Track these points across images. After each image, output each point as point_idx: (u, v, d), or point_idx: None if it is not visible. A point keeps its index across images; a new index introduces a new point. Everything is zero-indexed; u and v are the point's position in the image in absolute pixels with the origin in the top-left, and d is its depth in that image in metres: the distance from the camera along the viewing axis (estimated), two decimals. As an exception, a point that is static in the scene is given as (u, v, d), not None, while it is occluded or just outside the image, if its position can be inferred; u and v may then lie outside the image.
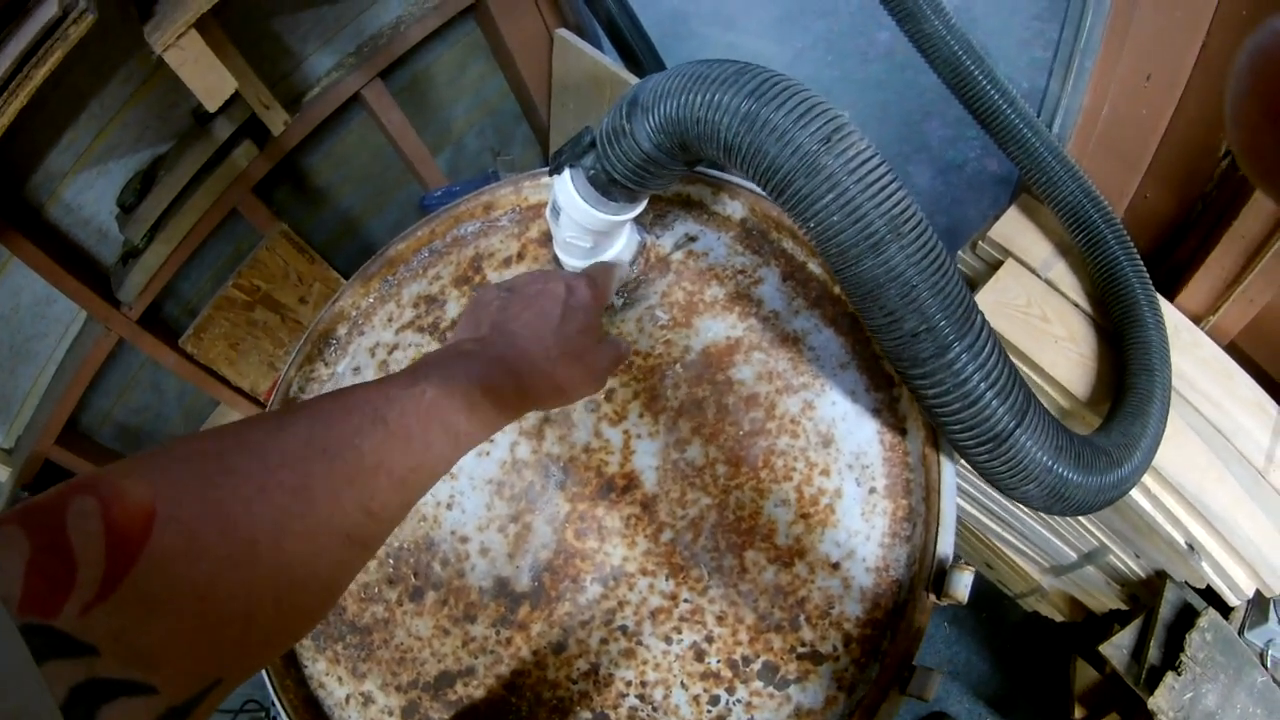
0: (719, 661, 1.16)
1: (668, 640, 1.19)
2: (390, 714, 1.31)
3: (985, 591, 2.92)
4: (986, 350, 1.01)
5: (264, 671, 1.35)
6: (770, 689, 1.13)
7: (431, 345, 1.52)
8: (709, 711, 1.15)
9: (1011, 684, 2.87)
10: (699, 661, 1.17)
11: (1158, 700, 1.93)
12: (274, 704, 1.34)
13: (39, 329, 2.90)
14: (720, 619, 1.18)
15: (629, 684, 1.19)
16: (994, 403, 1.01)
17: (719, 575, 1.20)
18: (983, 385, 1.00)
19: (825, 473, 1.22)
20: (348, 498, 0.69)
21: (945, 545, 1.11)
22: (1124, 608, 2.35)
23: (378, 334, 1.57)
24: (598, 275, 1.18)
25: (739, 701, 1.14)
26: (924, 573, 1.10)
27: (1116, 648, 2.11)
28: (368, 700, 1.33)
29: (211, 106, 2.32)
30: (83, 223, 2.76)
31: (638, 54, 2.91)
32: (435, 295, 1.56)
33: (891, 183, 0.97)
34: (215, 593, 0.58)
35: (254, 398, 3.38)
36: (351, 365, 1.57)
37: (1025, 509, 2.19)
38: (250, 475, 0.64)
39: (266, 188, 3.01)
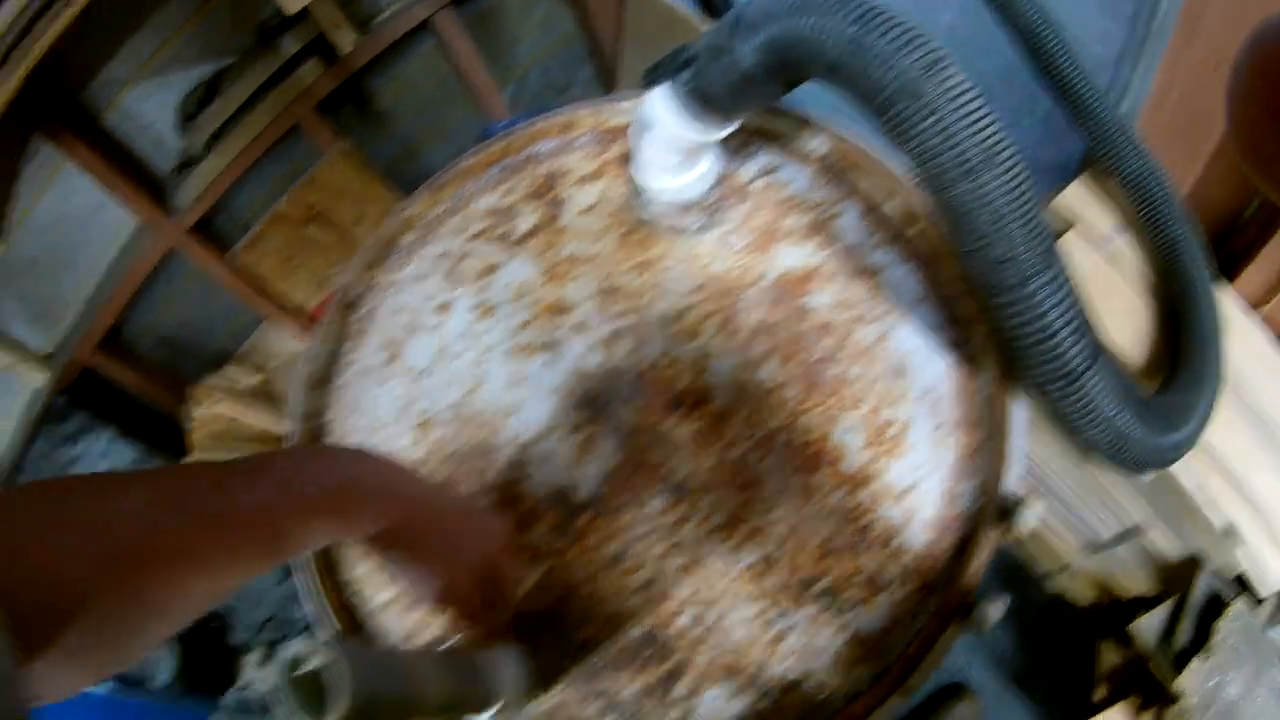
0: (780, 582, 1.16)
1: (729, 557, 1.19)
2: (434, 618, 1.30)
3: (1013, 570, 2.92)
4: (1065, 288, 1.02)
5: (308, 574, 1.35)
6: (830, 612, 1.13)
7: (502, 256, 1.51)
8: (767, 631, 1.15)
9: (1033, 662, 2.87)
10: (759, 581, 1.17)
11: (1183, 682, 1.94)
12: (315, 605, 1.34)
13: (86, 237, 2.91)
14: (784, 539, 1.18)
15: (686, 599, 1.19)
16: (1068, 340, 1.02)
17: (785, 496, 1.20)
18: (1060, 321, 1.01)
19: (896, 403, 1.22)
20: (151, 572, 0.70)
21: (1012, 481, 1.12)
22: (1151, 594, 2.34)
23: (446, 242, 1.57)
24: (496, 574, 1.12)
25: (798, 623, 1.14)
26: (990, 507, 1.11)
27: (1147, 628, 2.12)
28: (410, 604, 1.33)
29: (290, 10, 2.32)
30: (140, 130, 2.76)
31: (715, 2, 2.90)
32: (508, 208, 1.56)
33: (987, 115, 0.97)
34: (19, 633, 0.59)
35: (302, 314, 3.37)
36: (417, 273, 1.56)
37: (1065, 476, 2.19)
38: (69, 536, 0.66)
39: (329, 107, 3.01)
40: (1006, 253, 0.99)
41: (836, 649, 1.12)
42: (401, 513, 0.94)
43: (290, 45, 2.71)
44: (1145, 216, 1.78)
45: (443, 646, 1.12)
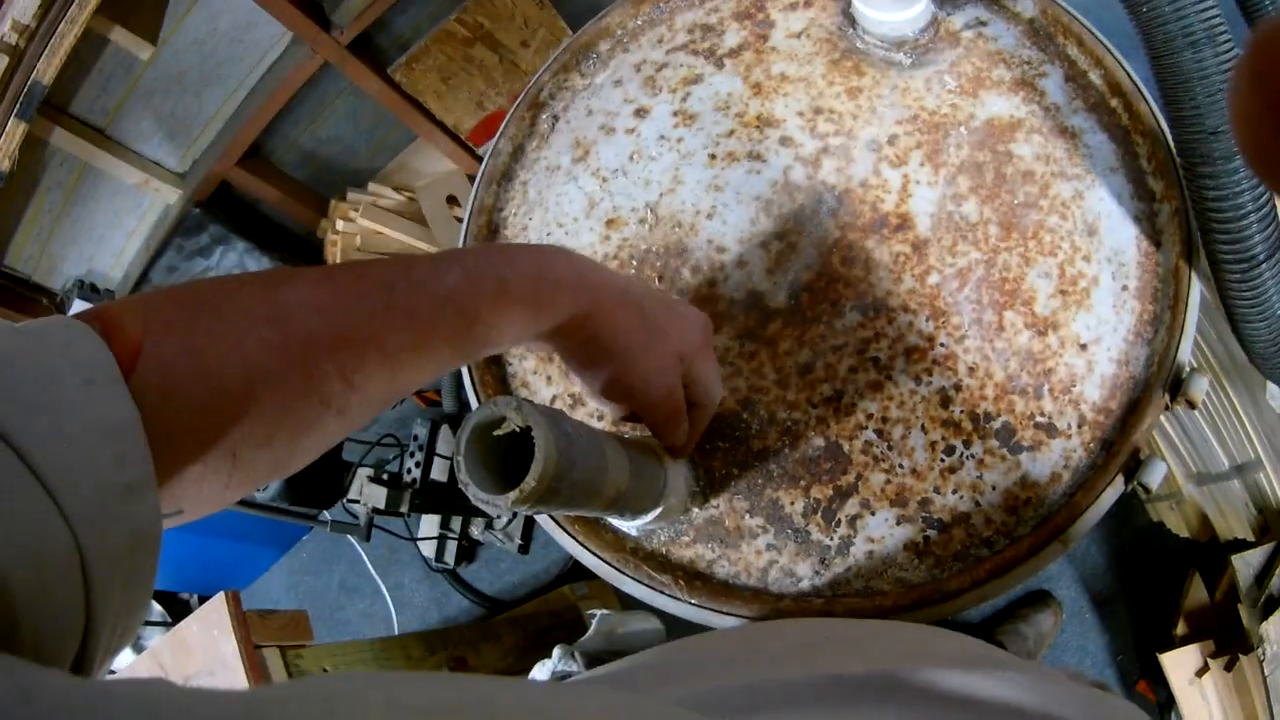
0: (962, 412, 1.18)
1: (917, 380, 1.21)
2: (600, 419, 1.33)
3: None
4: (1258, 181, 1.03)
5: (465, 368, 1.37)
6: (1004, 450, 1.15)
7: (706, 68, 1.52)
8: (943, 461, 1.17)
9: (1119, 584, 2.87)
10: (943, 408, 1.19)
11: (1268, 627, 1.94)
12: (471, 399, 1.36)
13: (234, 54, 2.93)
14: (971, 370, 1.20)
15: (870, 417, 1.21)
16: (1255, 225, 1.05)
17: (977, 327, 1.21)
18: (1251, 205, 1.04)
19: (1087, 259, 1.23)
20: (326, 363, 0.70)
21: (1184, 353, 1.13)
22: (1251, 538, 2.34)
23: (645, 52, 1.57)
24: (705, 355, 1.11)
25: (973, 457, 1.16)
26: (1162, 374, 1.12)
27: (1246, 563, 2.12)
28: (577, 403, 1.35)
29: None
30: (300, -56, 2.76)
31: None
32: (713, 25, 1.55)
33: (1213, 3, 1.01)
34: (182, 431, 0.61)
35: (456, 135, 3.36)
36: (613, 78, 1.56)
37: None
38: (233, 326, 0.66)
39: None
40: (1220, 124, 1.02)
41: (1006, 487, 1.14)
42: (595, 299, 0.91)
43: None
44: None
45: (627, 435, 1.13)
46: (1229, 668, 2.08)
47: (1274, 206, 1.06)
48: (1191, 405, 1.10)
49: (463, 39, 3.06)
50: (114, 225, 3.18)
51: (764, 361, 1.28)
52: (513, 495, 0.78)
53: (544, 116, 1.57)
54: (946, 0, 1.45)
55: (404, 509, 2.90)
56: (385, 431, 3.30)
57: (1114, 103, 1.31)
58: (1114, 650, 2.78)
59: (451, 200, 3.42)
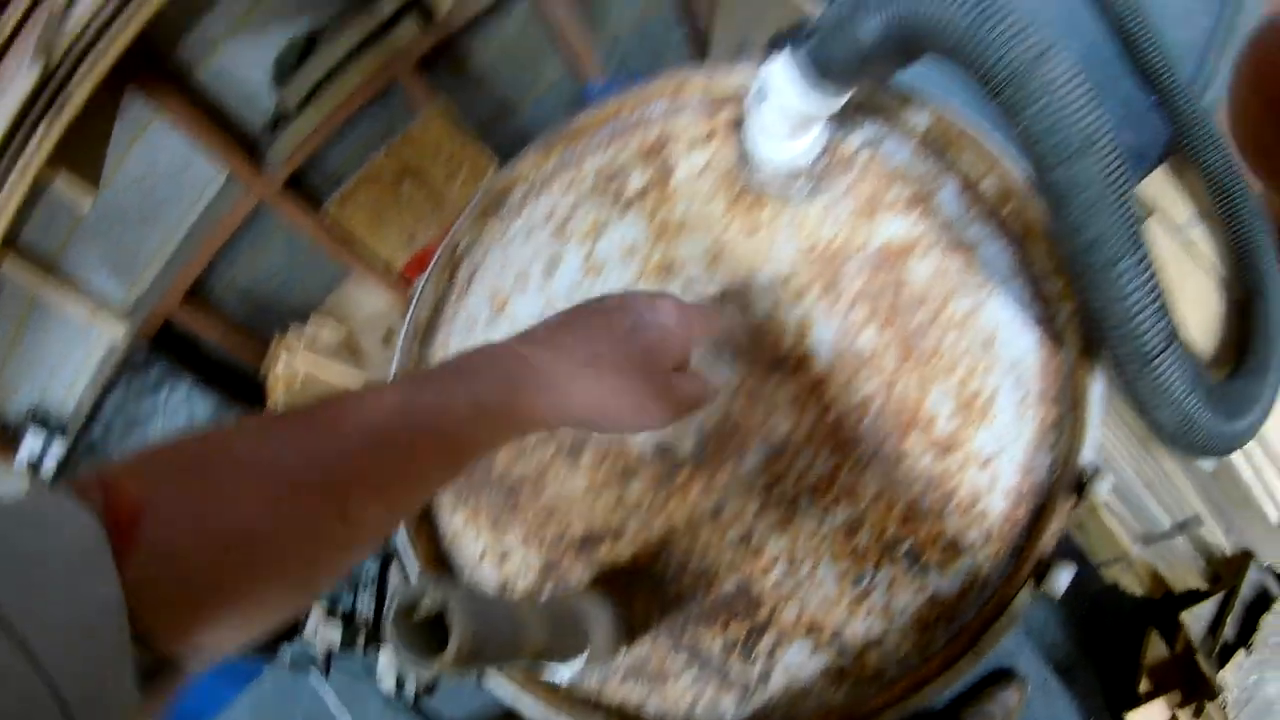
0: (868, 540, 1.21)
1: (822, 515, 1.24)
2: (527, 570, 1.36)
3: (1071, 556, 2.95)
4: (1149, 274, 1.07)
5: (406, 527, 1.41)
6: (913, 572, 1.18)
7: (611, 213, 1.56)
8: (852, 589, 1.20)
9: (1081, 651, 2.89)
10: (850, 537, 1.22)
11: (1225, 676, 1.97)
12: (403, 552, 1.41)
13: (173, 193, 2.99)
14: (875, 499, 1.23)
15: (779, 554, 1.24)
16: (1148, 323, 1.08)
17: (877, 459, 1.25)
18: (1141, 303, 1.07)
19: (986, 372, 1.26)
20: (323, 507, 0.73)
21: (1089, 453, 1.16)
22: (1204, 588, 2.38)
23: (556, 198, 1.61)
24: (703, 311, 1.21)
25: (881, 582, 1.19)
26: (1066, 477, 1.16)
27: (1196, 617, 2.15)
28: (505, 557, 1.39)
29: None
30: (232, 87, 2.83)
31: None
32: (618, 168, 1.60)
33: (1092, 102, 1.03)
34: (191, 586, 0.63)
35: (389, 269, 3.43)
36: (526, 226, 1.61)
37: (1129, 464, 2.22)
38: (227, 482, 0.68)
39: (425, 66, 3.06)
40: (1098, 234, 1.05)
41: (915, 609, 1.17)
42: (564, 399, 0.96)
43: (388, 5, 2.76)
44: (1221, 209, 1.81)
45: (542, 596, 1.18)
46: (1197, 715, 2.11)
47: (1165, 298, 1.09)
48: (1096, 507, 1.14)
49: (391, 176, 3.13)
50: (64, 358, 3.22)
51: (675, 509, 1.31)
52: (435, 665, 0.85)
53: (463, 269, 1.61)
54: (841, 125, 1.50)
55: (359, 645, 2.93)
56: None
57: (1009, 208, 1.36)
58: (1083, 715, 2.81)
59: (390, 335, 3.46)
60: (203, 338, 3.27)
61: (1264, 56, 0.53)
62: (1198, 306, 1.88)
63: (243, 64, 2.80)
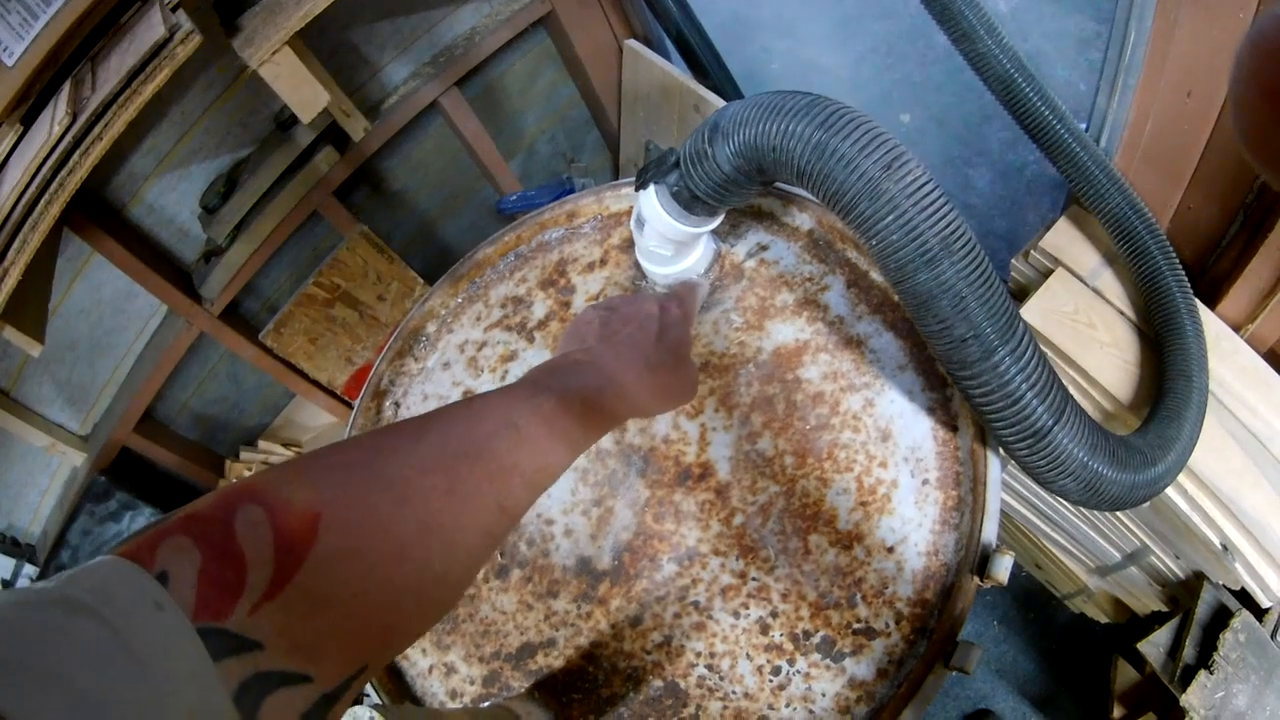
0: (782, 635, 1.25)
1: (736, 615, 1.29)
2: (472, 682, 1.40)
3: (1034, 592, 2.98)
4: (1028, 355, 1.10)
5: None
6: (827, 661, 1.22)
7: (518, 343, 1.61)
8: (771, 681, 1.24)
9: (1055, 683, 2.93)
10: (763, 635, 1.26)
11: (1190, 698, 1.99)
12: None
13: (118, 323, 3.02)
14: (784, 596, 1.27)
15: (699, 654, 1.28)
16: (1034, 402, 1.11)
17: (785, 556, 1.29)
18: (1024, 386, 1.10)
19: (884, 465, 1.31)
20: (486, 497, 0.76)
21: (989, 532, 1.20)
22: (1165, 609, 2.40)
23: (466, 331, 1.67)
24: (685, 295, 1.30)
25: (798, 672, 1.23)
26: (970, 557, 1.19)
27: (1154, 645, 2.17)
28: (450, 670, 1.43)
29: (306, 118, 2.39)
30: (164, 223, 2.87)
31: (705, 65, 2.97)
32: (522, 296, 1.66)
33: (944, 205, 1.07)
34: (369, 590, 0.65)
35: (331, 390, 3.49)
36: (441, 360, 1.66)
37: (1070, 507, 2.26)
38: (400, 480, 0.71)
39: (346, 190, 3.11)
40: (968, 331, 1.08)
41: (835, 693, 1.21)
42: (634, 395, 1.06)
43: (305, 136, 2.80)
44: (1127, 251, 1.84)
45: (484, 704, 1.22)
46: (1172, 736, 2.13)
47: (1050, 372, 1.13)
48: (999, 585, 1.17)
49: (323, 300, 3.17)
50: (28, 483, 3.24)
51: (600, 619, 1.36)
52: None
53: (387, 404, 1.67)
54: (728, 234, 1.54)
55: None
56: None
57: (896, 298, 1.41)
58: (1066, 745, 2.83)
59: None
60: (158, 463, 3.29)
61: (1264, 48, 0.55)
62: (1114, 350, 1.92)
63: (171, 201, 2.84)
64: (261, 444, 3.54)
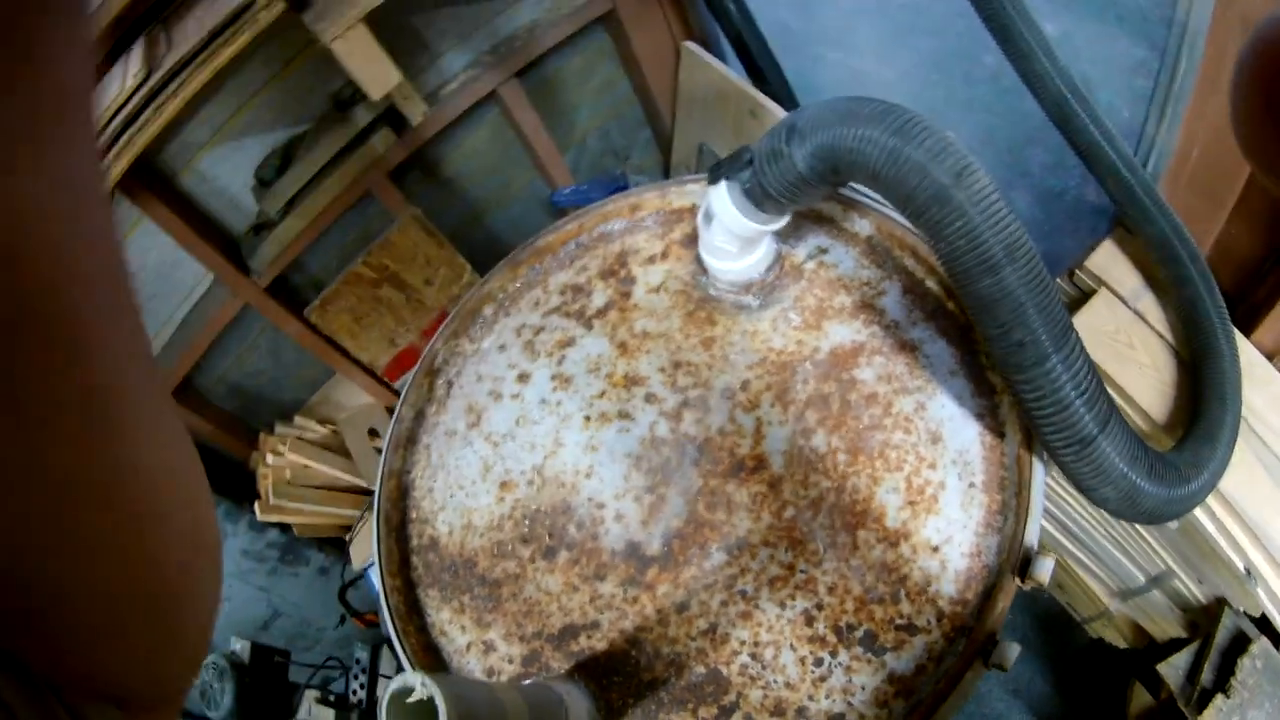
0: (826, 627, 1.28)
1: (782, 605, 1.31)
2: (511, 661, 1.42)
3: (1054, 615, 2.98)
4: (1079, 364, 1.14)
5: (387, 616, 1.48)
6: (869, 655, 1.25)
7: (576, 329, 1.64)
8: (813, 672, 1.26)
9: (1070, 706, 2.93)
10: (808, 626, 1.29)
11: (1205, 720, 2.02)
12: (395, 642, 1.46)
13: (161, 289, 3.03)
14: (830, 589, 1.30)
15: (743, 643, 1.30)
16: (1082, 409, 1.14)
17: (833, 550, 1.32)
18: (1073, 393, 1.13)
19: (932, 466, 1.33)
20: None
21: (1031, 535, 1.23)
22: (1184, 635, 2.41)
23: (524, 315, 1.70)
24: None
25: (840, 665, 1.25)
26: (1012, 559, 1.22)
27: (1173, 668, 2.19)
28: (489, 648, 1.44)
29: (376, 95, 2.40)
30: (216, 193, 2.88)
31: (763, 70, 2.98)
32: (582, 285, 1.69)
33: (1008, 215, 1.10)
34: None
35: (372, 370, 3.50)
36: (498, 343, 1.69)
37: (1099, 527, 2.27)
38: None
39: (400, 173, 3.13)
40: (1025, 336, 1.12)
41: (874, 687, 1.23)
42: None
43: (363, 116, 2.82)
44: (1169, 275, 1.86)
45: (526, 682, 1.24)
46: (1185, 761, 2.14)
47: (1098, 382, 1.16)
48: (1040, 586, 1.20)
49: (370, 280, 3.19)
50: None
51: (646, 604, 1.38)
52: None
53: (440, 382, 1.69)
54: (789, 236, 1.57)
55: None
56: (329, 654, 3.38)
57: (950, 305, 1.44)
58: (1078, 768, 2.84)
59: (373, 433, 3.54)
60: (193, 431, 3.28)
61: (1265, 53, 0.55)
62: (1152, 372, 1.93)
63: (224, 171, 2.86)
64: (298, 419, 3.55)
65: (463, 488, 1.58)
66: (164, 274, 2.96)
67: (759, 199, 1.32)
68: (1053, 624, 3.01)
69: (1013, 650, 1.16)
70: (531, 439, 1.57)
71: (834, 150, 1.18)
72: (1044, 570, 1.19)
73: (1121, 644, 2.73)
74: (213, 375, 3.29)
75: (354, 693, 3.10)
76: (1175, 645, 2.38)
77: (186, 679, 0.59)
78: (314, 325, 3.21)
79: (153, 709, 0.55)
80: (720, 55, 3.14)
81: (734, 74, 2.98)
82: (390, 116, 2.88)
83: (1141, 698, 2.41)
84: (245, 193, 2.91)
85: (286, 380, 3.54)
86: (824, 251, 1.57)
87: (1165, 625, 2.45)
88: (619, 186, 3.42)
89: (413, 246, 3.19)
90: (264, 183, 2.84)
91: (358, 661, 3.16)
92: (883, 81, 4.04)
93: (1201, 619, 2.29)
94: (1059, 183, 3.60)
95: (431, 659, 1.46)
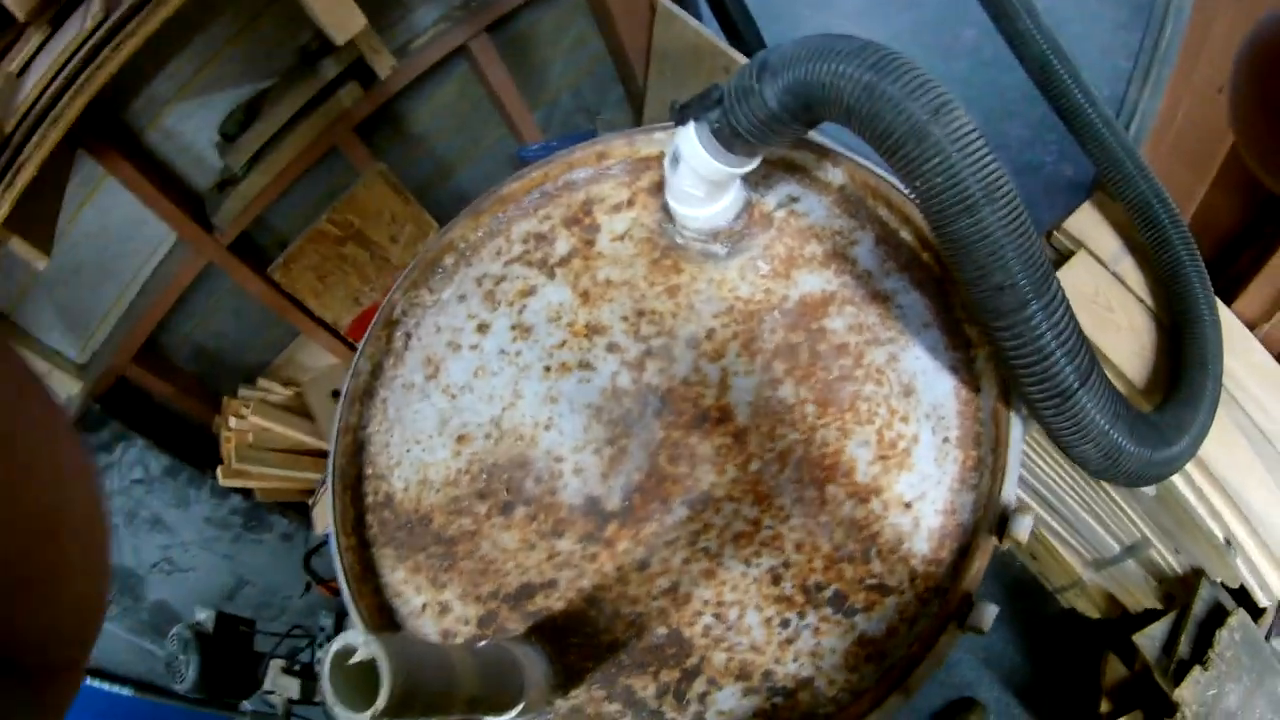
0: (793, 587, 1.23)
1: (747, 563, 1.27)
2: (466, 623, 1.38)
3: (1025, 583, 2.97)
4: (1060, 312, 1.10)
5: (341, 577, 1.43)
6: (839, 616, 1.20)
7: (538, 278, 1.59)
8: (779, 634, 1.22)
9: (1041, 676, 2.92)
10: (774, 585, 1.24)
11: (1183, 693, 1.99)
12: (350, 610, 1.41)
13: (125, 249, 3.00)
14: (798, 546, 1.25)
15: (706, 603, 1.26)
16: (1062, 360, 1.10)
17: (800, 506, 1.27)
18: (1054, 343, 1.09)
19: (905, 420, 1.29)
20: None
21: (1009, 493, 1.19)
22: (1159, 607, 2.39)
23: (485, 265, 1.65)
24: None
25: (808, 626, 1.21)
26: (988, 517, 1.18)
27: (1149, 639, 2.17)
28: (444, 609, 1.40)
29: (340, 40, 2.39)
30: (181, 149, 2.85)
31: (739, 29, 2.95)
32: (545, 233, 1.63)
33: (988, 154, 1.06)
34: None
35: (335, 330, 3.47)
36: (458, 293, 1.64)
37: (1073, 493, 2.25)
38: None
39: (367, 129, 3.10)
40: (1004, 280, 1.07)
41: (844, 650, 1.19)
42: None
43: (330, 69, 2.78)
44: (1150, 239, 1.83)
45: (480, 644, 1.20)
46: (1160, 734, 2.13)
47: (1080, 333, 1.12)
48: (1018, 544, 1.16)
49: (335, 237, 3.16)
50: (19, 412, 3.20)
51: (605, 561, 1.34)
52: (367, 715, 0.86)
53: (398, 334, 1.64)
54: (759, 184, 1.52)
55: (318, 699, 2.94)
56: (294, 622, 3.34)
57: (925, 256, 1.39)
58: (1050, 738, 2.83)
59: (336, 395, 3.47)
60: (155, 395, 3.28)
61: (1264, 51, 0.54)
62: (1131, 335, 1.90)
63: (190, 127, 2.82)
64: (261, 382, 3.53)
65: (419, 442, 1.53)
66: (128, 233, 2.94)
67: (728, 139, 1.26)
68: (1024, 593, 3.00)
69: (990, 611, 1.12)
70: (490, 390, 1.52)
71: (807, 86, 1.13)
72: (1022, 528, 1.15)
73: (1094, 614, 2.72)
74: (176, 336, 3.26)
75: (319, 661, 3.06)
76: (1149, 616, 2.37)
77: (73, 647, 0.57)
78: (277, 284, 3.18)
79: (43, 678, 0.54)
80: (696, 13, 3.12)
81: (709, 31, 2.95)
82: (358, 70, 2.84)
83: (1116, 669, 2.39)
84: (211, 149, 2.90)
85: (250, 342, 3.51)
86: (795, 200, 1.53)
87: (1140, 596, 2.43)
88: (591, 141, 3.38)
89: (378, 203, 3.16)
90: (228, 138, 2.81)
91: (322, 629, 3.14)
92: (863, 48, 4.05)
93: (1177, 590, 2.27)
94: (1036, 157, 3.61)
95: (385, 621, 1.41)
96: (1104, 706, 2.38)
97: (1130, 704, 2.29)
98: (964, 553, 1.19)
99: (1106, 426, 1.15)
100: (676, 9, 3.08)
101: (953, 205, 1.07)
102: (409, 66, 2.98)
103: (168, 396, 3.30)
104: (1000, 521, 1.17)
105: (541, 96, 3.56)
